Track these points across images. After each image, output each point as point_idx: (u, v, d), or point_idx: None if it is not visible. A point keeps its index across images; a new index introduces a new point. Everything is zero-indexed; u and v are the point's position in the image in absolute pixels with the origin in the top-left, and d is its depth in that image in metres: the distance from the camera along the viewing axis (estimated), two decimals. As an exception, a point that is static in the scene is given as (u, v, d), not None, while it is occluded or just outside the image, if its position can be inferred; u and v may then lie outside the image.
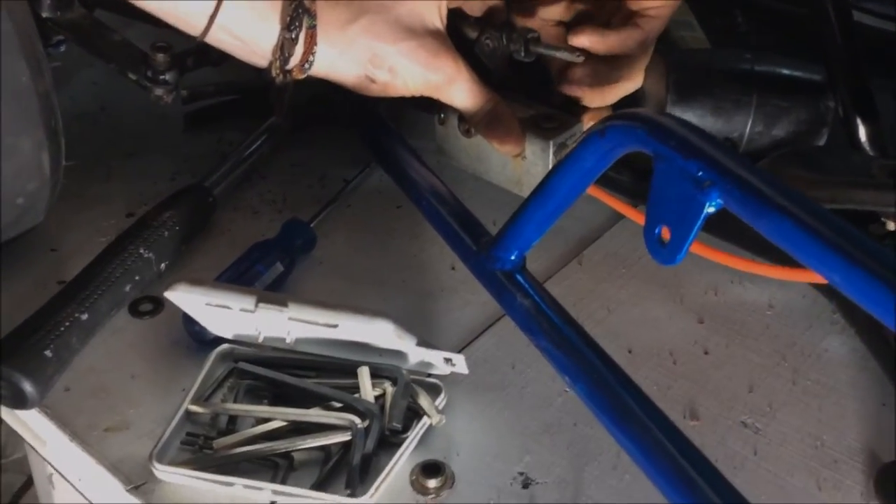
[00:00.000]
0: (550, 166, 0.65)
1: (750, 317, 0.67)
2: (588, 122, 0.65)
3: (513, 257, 0.55)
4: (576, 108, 0.69)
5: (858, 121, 0.67)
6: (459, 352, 0.63)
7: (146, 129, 0.84)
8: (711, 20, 0.95)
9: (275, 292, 0.61)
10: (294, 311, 0.53)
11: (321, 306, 0.53)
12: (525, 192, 0.66)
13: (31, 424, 0.59)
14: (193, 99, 0.83)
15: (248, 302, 0.53)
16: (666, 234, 0.42)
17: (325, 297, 0.67)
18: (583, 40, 0.63)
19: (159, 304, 0.65)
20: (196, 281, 0.53)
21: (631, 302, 0.68)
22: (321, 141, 0.83)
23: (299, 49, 0.56)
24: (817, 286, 0.65)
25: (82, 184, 0.75)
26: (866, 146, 0.67)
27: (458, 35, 0.67)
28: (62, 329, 0.58)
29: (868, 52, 0.69)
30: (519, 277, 0.55)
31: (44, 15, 0.70)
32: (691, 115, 0.70)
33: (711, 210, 0.39)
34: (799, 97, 0.68)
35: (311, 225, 0.71)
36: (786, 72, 0.69)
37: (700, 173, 0.39)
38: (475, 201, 0.66)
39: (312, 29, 0.56)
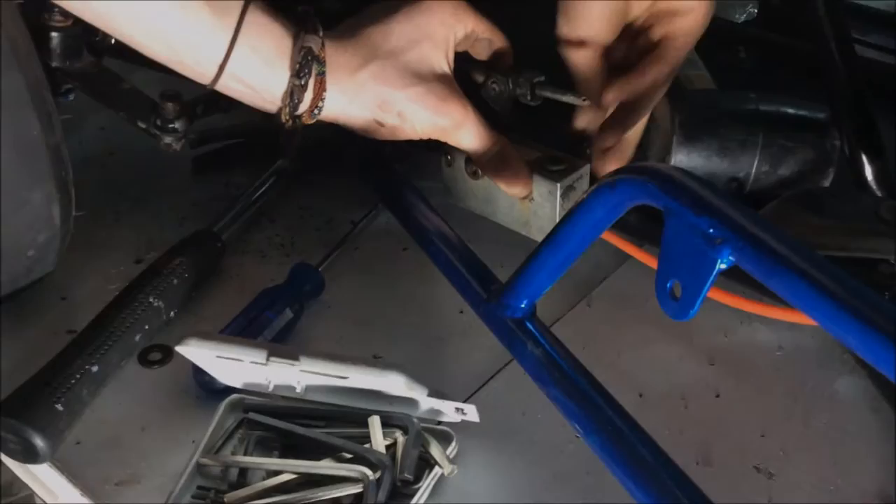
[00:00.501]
0: (558, 208, 0.65)
1: (761, 358, 0.67)
2: (599, 161, 0.65)
3: (523, 305, 0.55)
4: (584, 149, 0.69)
5: (864, 159, 0.67)
6: (469, 397, 0.63)
7: (154, 174, 0.84)
8: (715, 56, 0.96)
9: (285, 345, 0.61)
10: (306, 364, 0.53)
11: (332, 359, 0.53)
12: (533, 233, 0.66)
13: (42, 478, 0.59)
14: (201, 143, 0.84)
15: (259, 356, 0.53)
16: (677, 289, 0.42)
17: (334, 343, 0.68)
18: (611, 97, 0.63)
19: (168, 352, 0.65)
20: (207, 335, 0.53)
21: (641, 344, 0.68)
22: (329, 184, 0.83)
23: (309, 95, 0.57)
24: (828, 327, 0.65)
25: (91, 231, 0.75)
26: (873, 185, 0.67)
27: (465, 79, 0.67)
28: (73, 382, 0.58)
29: (875, 88, 0.69)
30: (529, 325, 0.55)
31: (53, 65, 0.70)
32: (697, 156, 0.70)
33: (723, 267, 0.39)
34: (804, 136, 0.69)
35: (320, 269, 0.71)
36: (791, 111, 0.69)
37: (711, 230, 0.39)
38: (482, 242, 0.66)
39: (322, 75, 0.56)
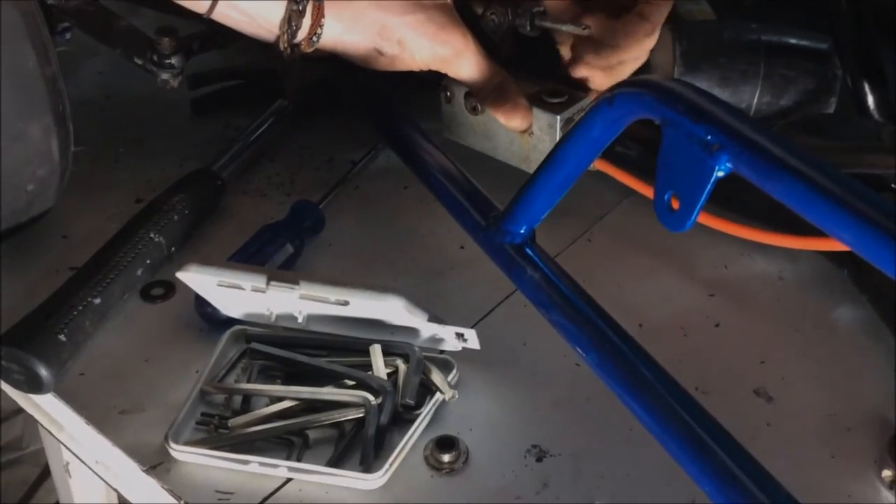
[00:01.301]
0: (557, 138, 0.65)
1: (761, 288, 0.67)
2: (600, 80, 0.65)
3: (522, 231, 0.55)
4: (586, 81, 0.69)
5: (866, 87, 0.66)
6: (471, 328, 0.63)
7: (153, 117, 0.84)
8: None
9: (284, 270, 0.61)
10: (305, 288, 0.53)
11: (332, 283, 0.53)
12: (533, 169, 0.66)
13: (48, 409, 0.60)
14: (200, 84, 0.83)
15: (259, 281, 0.53)
16: (675, 200, 0.42)
17: (335, 278, 0.68)
18: (590, 21, 0.63)
19: (171, 288, 0.65)
20: (207, 261, 0.53)
21: (641, 277, 0.68)
22: (329, 124, 0.83)
23: (307, 22, 0.57)
24: (828, 254, 0.65)
25: (91, 171, 0.75)
26: (875, 113, 0.66)
27: (464, 9, 0.67)
28: (75, 313, 0.58)
29: (880, 17, 0.69)
30: (528, 251, 0.55)
31: (49, 2, 0.70)
32: (698, 86, 0.69)
33: (721, 174, 0.39)
34: (806, 66, 0.68)
35: (320, 206, 0.71)
36: (792, 41, 0.69)
37: (709, 137, 0.39)
38: (484, 183, 0.66)
39: (320, 1, 0.56)
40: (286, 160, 0.80)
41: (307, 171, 0.79)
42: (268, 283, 0.53)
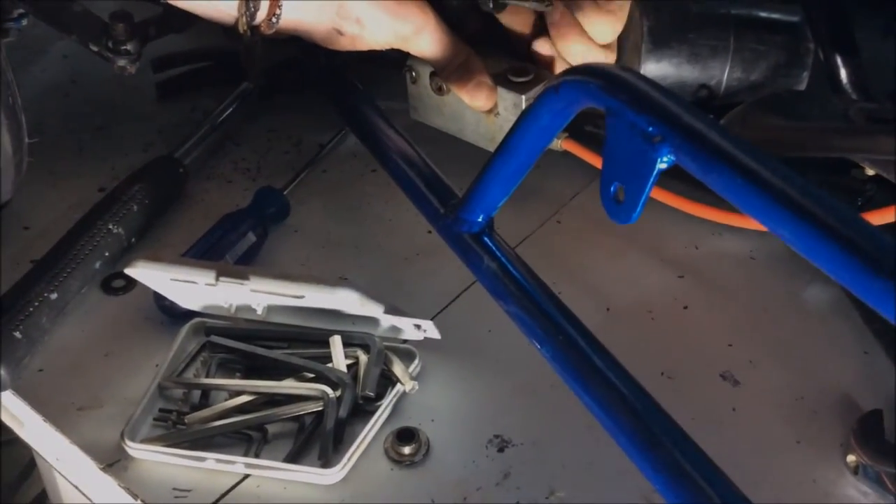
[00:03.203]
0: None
1: (731, 268, 0.66)
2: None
3: (480, 219, 0.54)
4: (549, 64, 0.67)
5: (838, 62, 0.65)
6: (436, 315, 0.63)
7: (118, 101, 0.82)
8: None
9: (238, 265, 0.61)
10: (256, 283, 0.52)
11: (283, 278, 0.52)
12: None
13: (7, 406, 0.59)
14: (165, 68, 0.82)
15: (208, 276, 0.52)
16: (621, 192, 0.41)
17: (299, 266, 0.67)
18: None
19: (132, 280, 0.64)
20: (156, 257, 0.53)
21: (610, 259, 0.67)
22: (296, 105, 0.81)
23: (265, 3, 0.56)
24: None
25: (54, 160, 0.74)
26: (847, 88, 0.65)
27: None
28: (31, 310, 0.57)
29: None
30: (486, 240, 0.54)
31: (0, -11, 0.68)
32: (667, 63, 0.68)
33: (664, 166, 0.38)
34: (777, 40, 0.66)
35: (285, 192, 0.70)
36: (763, 14, 0.67)
37: (650, 128, 0.38)
38: (451, 164, 0.65)
39: None
40: (252, 144, 0.78)
41: (274, 155, 0.77)
42: (217, 279, 0.52)
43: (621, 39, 0.65)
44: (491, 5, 0.65)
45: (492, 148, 0.67)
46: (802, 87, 0.67)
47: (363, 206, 0.72)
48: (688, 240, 0.68)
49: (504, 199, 0.52)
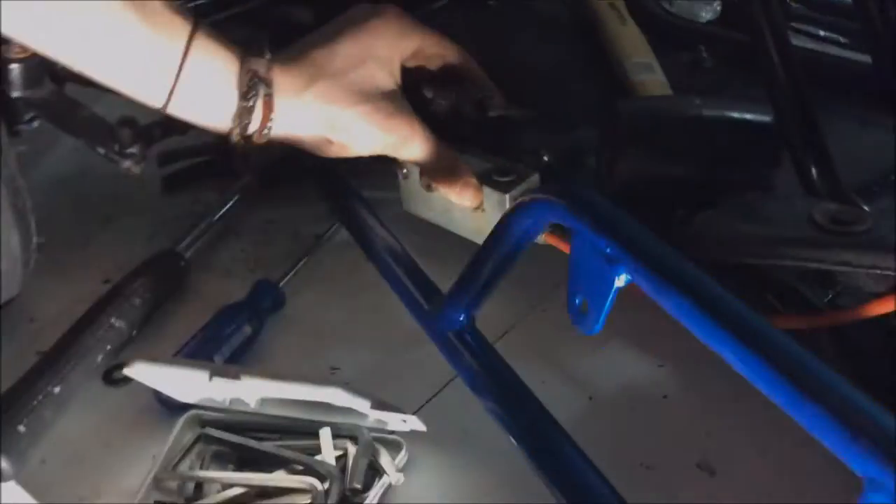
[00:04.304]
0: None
1: (712, 355, 0.68)
2: None
3: (461, 318, 0.57)
4: (539, 158, 0.71)
5: (809, 161, 0.67)
6: (423, 405, 0.65)
7: (124, 193, 0.86)
8: (677, 56, 0.97)
9: (231, 365, 0.63)
10: (247, 383, 0.55)
11: (272, 377, 0.55)
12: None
13: (7, 497, 0.61)
14: (168, 161, 0.86)
15: (201, 377, 0.55)
16: (584, 305, 0.43)
17: (292, 357, 0.70)
18: None
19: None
20: (153, 358, 0.55)
21: (593, 347, 0.70)
22: (295, 196, 0.85)
23: (258, 116, 0.59)
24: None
25: (62, 252, 0.78)
26: (818, 186, 0.67)
27: (414, 93, 0.69)
28: (35, 403, 0.60)
29: (832, 80, 0.70)
30: (468, 337, 0.56)
31: (15, 95, 0.73)
32: (644, 160, 0.71)
33: (621, 285, 0.41)
34: (749, 139, 0.69)
35: (281, 284, 0.73)
36: (735, 115, 0.70)
37: (609, 250, 0.41)
38: (441, 252, 0.67)
39: (269, 97, 0.58)
40: (251, 235, 0.82)
41: (272, 246, 0.81)
42: (210, 379, 0.55)
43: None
44: (474, 114, 0.69)
45: (479, 240, 0.71)
46: (774, 182, 0.70)
47: (357, 296, 0.75)
48: (671, 330, 0.70)
49: (483, 300, 0.55)
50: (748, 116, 0.71)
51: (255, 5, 0.89)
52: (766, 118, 0.70)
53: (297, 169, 0.85)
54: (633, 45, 0.94)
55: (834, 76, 0.82)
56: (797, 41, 0.95)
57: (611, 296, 0.41)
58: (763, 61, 0.68)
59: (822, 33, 0.99)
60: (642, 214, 0.69)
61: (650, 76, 0.88)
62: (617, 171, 0.70)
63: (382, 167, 0.75)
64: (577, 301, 0.44)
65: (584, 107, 0.93)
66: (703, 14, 1.05)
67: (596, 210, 0.42)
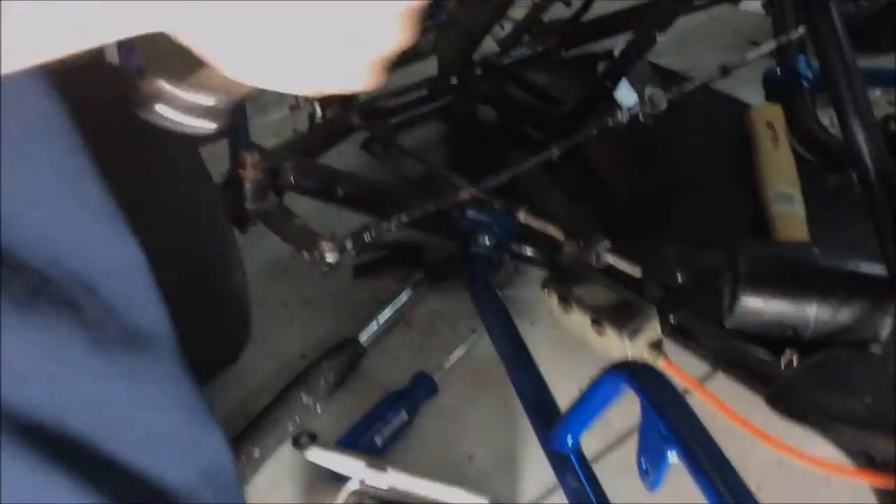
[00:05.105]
0: (626, 346, 0.78)
1: (804, 481, 0.75)
2: None
3: (568, 442, 0.68)
4: (670, 276, 0.81)
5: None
6: (543, 496, 0.77)
7: (323, 277, 1.04)
8: (825, 179, 1.02)
9: (383, 460, 0.78)
10: (392, 477, 0.70)
11: (420, 477, 0.69)
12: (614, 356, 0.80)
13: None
14: (360, 252, 1.03)
15: (358, 465, 0.70)
16: (649, 466, 0.54)
17: (439, 442, 0.84)
18: None
19: (314, 437, 0.84)
20: (324, 446, 0.71)
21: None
22: (460, 288, 0.99)
23: None
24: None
25: (269, 329, 0.96)
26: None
27: None
28: (239, 462, 0.78)
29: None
30: (572, 459, 0.67)
31: (247, 206, 0.92)
32: (760, 301, 0.78)
33: (673, 462, 0.51)
34: (862, 291, 0.75)
35: (435, 377, 0.88)
36: (850, 266, 0.76)
37: (662, 430, 0.51)
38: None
39: None
40: (419, 325, 0.97)
41: (434, 337, 0.95)
42: (365, 467, 0.70)
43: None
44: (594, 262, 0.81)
45: (606, 355, 0.82)
46: (886, 332, 0.75)
47: (499, 388, 0.88)
48: (766, 454, 0.77)
49: (584, 430, 0.66)
50: (863, 269, 0.76)
51: None
52: (878, 271, 0.76)
53: (461, 266, 0.99)
54: (778, 171, 1.01)
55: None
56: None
57: (665, 467, 0.51)
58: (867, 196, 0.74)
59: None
60: (754, 348, 0.77)
61: (789, 208, 0.94)
62: (735, 308, 0.78)
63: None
64: (642, 461, 0.54)
65: (728, 227, 1.01)
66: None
67: (657, 391, 0.53)
